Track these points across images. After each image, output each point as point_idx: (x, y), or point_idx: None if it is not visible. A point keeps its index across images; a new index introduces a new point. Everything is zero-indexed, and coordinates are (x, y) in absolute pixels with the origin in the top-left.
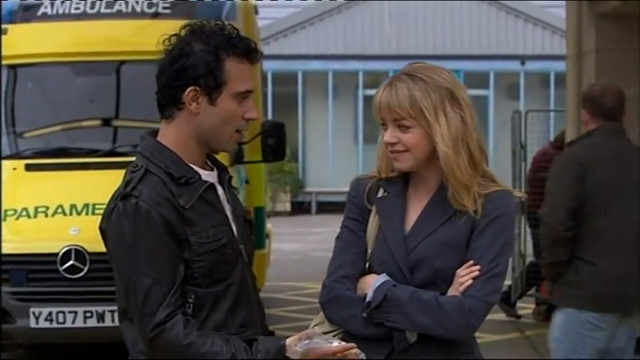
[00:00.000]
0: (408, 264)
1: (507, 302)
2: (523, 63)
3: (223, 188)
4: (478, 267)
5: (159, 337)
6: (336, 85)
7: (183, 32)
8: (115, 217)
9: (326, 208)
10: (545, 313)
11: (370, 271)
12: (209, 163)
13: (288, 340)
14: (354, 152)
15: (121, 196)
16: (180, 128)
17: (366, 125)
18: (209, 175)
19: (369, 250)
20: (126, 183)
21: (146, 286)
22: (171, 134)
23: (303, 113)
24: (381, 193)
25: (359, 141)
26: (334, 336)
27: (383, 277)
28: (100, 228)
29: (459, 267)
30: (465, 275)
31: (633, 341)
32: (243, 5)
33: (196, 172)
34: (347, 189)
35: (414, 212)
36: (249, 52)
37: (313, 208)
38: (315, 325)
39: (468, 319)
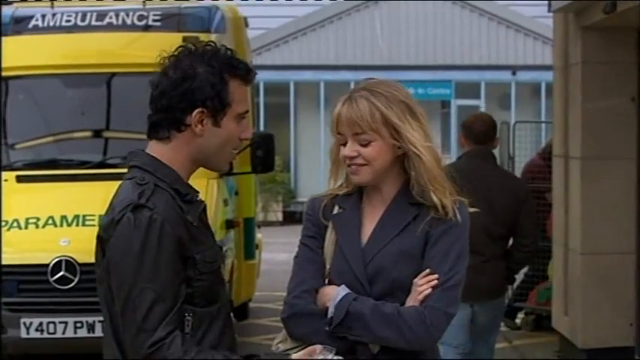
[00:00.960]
0: (366, 276)
1: (508, 314)
2: (514, 73)
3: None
4: (436, 276)
5: (157, 354)
6: (327, 96)
7: (179, 53)
8: (125, 227)
9: None
10: (533, 323)
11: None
12: None
13: (294, 356)
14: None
15: (133, 206)
16: (178, 149)
17: None
18: (199, 196)
19: (327, 266)
20: (139, 194)
21: (149, 300)
22: (167, 155)
23: (295, 123)
24: (336, 210)
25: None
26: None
27: (343, 290)
28: (99, 236)
29: (416, 276)
30: (423, 285)
31: (498, 319)
32: (232, 18)
33: (195, 191)
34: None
35: (369, 225)
36: (248, 73)
37: None
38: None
39: (429, 331)
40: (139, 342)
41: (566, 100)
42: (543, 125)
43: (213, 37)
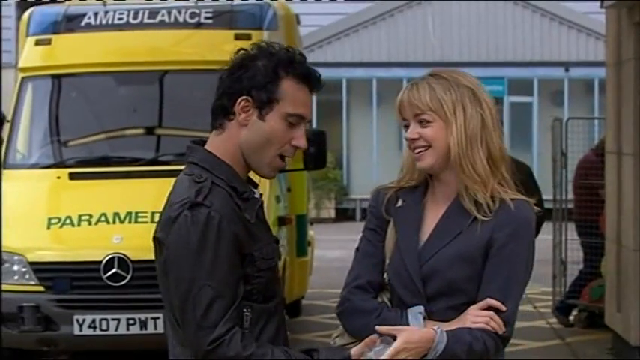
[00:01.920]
0: (420, 275)
1: (562, 311)
2: (567, 70)
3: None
4: (502, 308)
5: (217, 351)
6: (380, 93)
7: (253, 48)
8: (182, 225)
9: None
10: (586, 320)
11: (389, 281)
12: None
13: (353, 350)
14: (398, 159)
15: (190, 204)
16: (229, 140)
17: None
18: (256, 193)
19: (387, 261)
20: (196, 192)
21: (208, 297)
22: (221, 145)
23: (348, 120)
24: (400, 203)
25: (403, 148)
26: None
27: (442, 336)
28: (155, 237)
29: (472, 277)
30: (482, 316)
31: None
32: (284, 15)
33: (251, 188)
34: None
35: (430, 221)
36: (309, 76)
37: (358, 214)
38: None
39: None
40: (198, 339)
41: (618, 96)
42: (596, 122)
43: (265, 34)
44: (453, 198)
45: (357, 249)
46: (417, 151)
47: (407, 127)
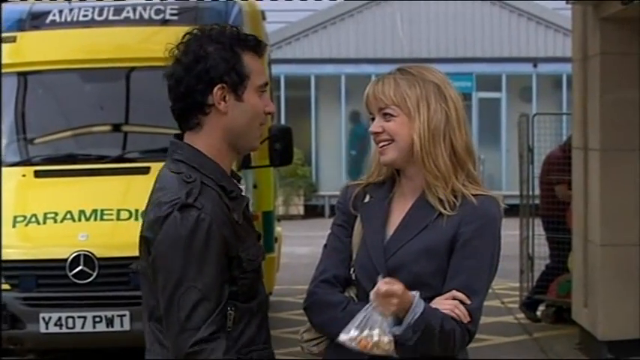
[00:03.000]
0: (386, 269)
1: (529, 306)
2: (535, 66)
3: None
4: (467, 301)
5: (198, 355)
6: (348, 89)
7: (186, 40)
8: (171, 226)
9: None
10: (553, 316)
11: (355, 277)
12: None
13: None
14: (367, 156)
15: (181, 205)
16: (211, 134)
17: None
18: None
19: (354, 256)
20: (187, 194)
21: (194, 300)
22: (204, 141)
23: (316, 117)
24: (367, 199)
25: (372, 145)
26: (318, 344)
27: (420, 303)
28: (142, 235)
29: (438, 272)
30: (452, 305)
31: None
32: (250, 11)
33: (237, 185)
34: None
35: (396, 216)
36: (259, 45)
37: (327, 211)
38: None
39: (460, 350)
40: (180, 341)
41: (585, 92)
42: (565, 117)
43: None
44: (419, 193)
45: (325, 245)
46: (380, 144)
47: (373, 119)
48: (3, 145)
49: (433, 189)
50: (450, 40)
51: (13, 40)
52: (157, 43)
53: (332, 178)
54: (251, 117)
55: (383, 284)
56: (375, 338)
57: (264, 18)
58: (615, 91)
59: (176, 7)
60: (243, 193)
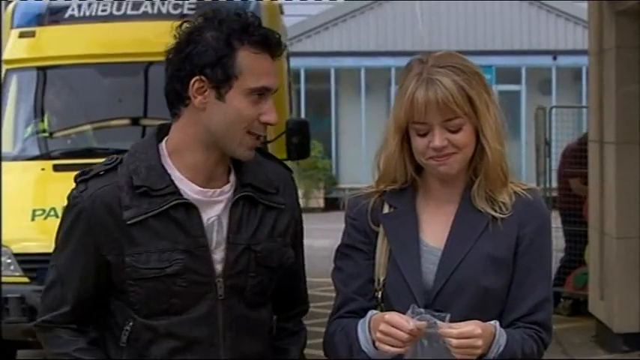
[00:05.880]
0: (431, 294)
1: None
2: (555, 58)
3: (238, 208)
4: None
5: (38, 333)
6: (368, 82)
7: (197, 21)
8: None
9: None
10: (570, 308)
11: (383, 300)
12: (233, 177)
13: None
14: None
15: (77, 181)
16: (183, 128)
17: None
18: (201, 193)
19: (381, 278)
20: (87, 171)
21: (50, 278)
22: (174, 135)
23: (336, 110)
24: (387, 209)
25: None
26: None
27: (503, 333)
28: None
29: (507, 284)
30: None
31: None
32: (267, 5)
33: (172, 184)
34: None
35: (434, 227)
36: (268, 42)
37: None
38: None
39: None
40: (39, 311)
41: (601, 85)
42: (585, 110)
43: None
44: (460, 198)
45: (339, 269)
46: (441, 158)
47: (422, 128)
48: (23, 138)
49: (488, 191)
50: (469, 33)
51: (33, 34)
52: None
53: (352, 170)
54: (231, 121)
55: (460, 330)
56: None
57: (281, 12)
58: (631, 85)
59: (194, 1)
60: (184, 195)
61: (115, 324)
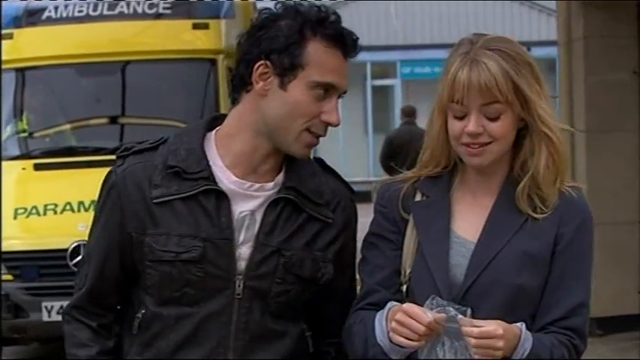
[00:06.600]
0: (461, 289)
1: None
2: (529, 49)
3: (276, 209)
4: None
5: (64, 324)
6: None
7: (276, 7)
8: None
9: None
10: None
11: (408, 294)
12: (281, 178)
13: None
14: (365, 142)
15: (117, 156)
16: (240, 114)
17: (376, 115)
18: (237, 183)
19: (408, 270)
20: (129, 147)
21: (83, 255)
22: (229, 120)
23: None
24: (419, 197)
25: (369, 131)
26: None
27: (528, 336)
28: None
29: (542, 284)
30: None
31: None
32: (241, 3)
33: (207, 170)
34: (358, 179)
35: (467, 219)
36: (342, 38)
37: None
38: None
39: None
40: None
41: (570, 74)
42: (558, 100)
43: (222, 22)
44: (498, 190)
45: (365, 260)
46: (474, 147)
47: (460, 110)
48: (3, 139)
49: (534, 193)
50: (443, 26)
51: (10, 36)
52: (151, 37)
53: (357, 164)
54: (289, 111)
55: (480, 329)
56: None
57: (255, 9)
58: (599, 74)
59: (169, 1)
60: (219, 183)
61: (132, 313)
